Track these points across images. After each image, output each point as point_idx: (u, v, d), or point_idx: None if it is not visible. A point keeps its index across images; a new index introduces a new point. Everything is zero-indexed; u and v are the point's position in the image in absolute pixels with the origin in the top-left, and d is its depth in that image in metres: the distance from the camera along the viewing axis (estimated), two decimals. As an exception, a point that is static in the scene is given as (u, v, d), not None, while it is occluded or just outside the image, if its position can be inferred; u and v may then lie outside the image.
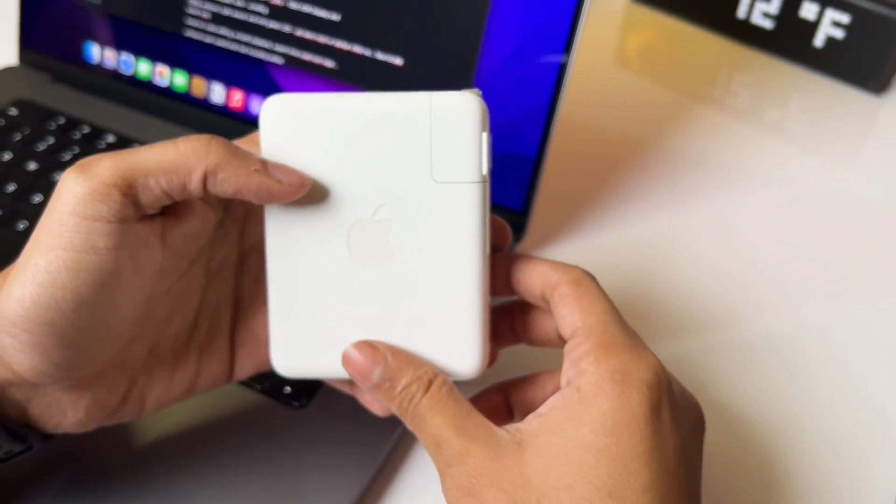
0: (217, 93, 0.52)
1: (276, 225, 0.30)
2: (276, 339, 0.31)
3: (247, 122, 0.52)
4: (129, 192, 0.27)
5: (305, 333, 0.31)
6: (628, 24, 0.71)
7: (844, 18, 0.60)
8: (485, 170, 0.29)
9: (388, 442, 0.37)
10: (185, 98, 0.53)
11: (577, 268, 0.31)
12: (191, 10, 0.51)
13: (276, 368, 0.32)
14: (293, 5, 0.48)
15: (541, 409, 0.28)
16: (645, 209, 0.52)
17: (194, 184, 0.28)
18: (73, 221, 0.26)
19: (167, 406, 0.33)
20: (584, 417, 0.27)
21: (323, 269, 0.30)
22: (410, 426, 0.29)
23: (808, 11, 0.62)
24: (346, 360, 0.30)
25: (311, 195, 0.29)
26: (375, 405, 0.34)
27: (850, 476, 0.38)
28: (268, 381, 0.39)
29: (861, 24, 0.60)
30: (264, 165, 0.28)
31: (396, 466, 0.37)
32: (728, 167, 0.56)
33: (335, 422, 0.37)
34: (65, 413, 0.30)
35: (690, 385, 0.31)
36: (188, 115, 0.53)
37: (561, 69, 0.43)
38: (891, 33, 0.59)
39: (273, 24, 0.49)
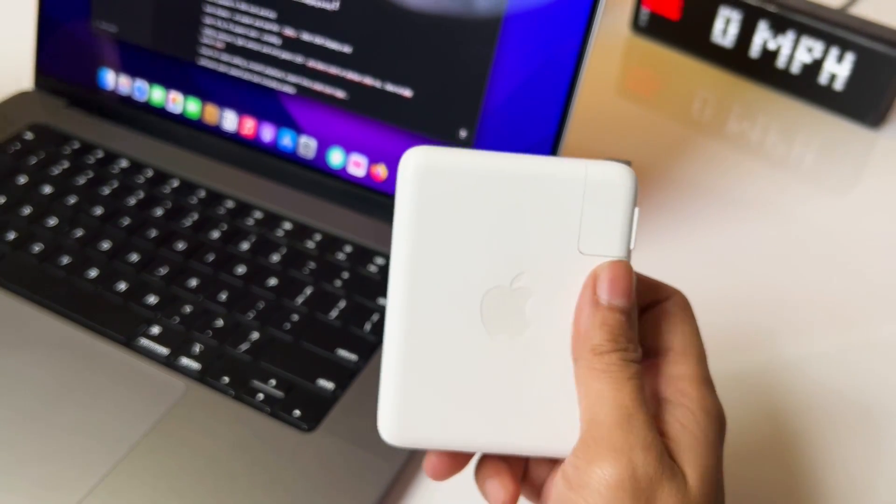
0: (229, 120, 0.53)
1: (404, 281, 0.28)
2: (389, 404, 0.29)
3: (258, 150, 0.53)
4: None
5: (422, 401, 0.29)
6: (629, 56, 0.72)
7: (845, 56, 0.62)
8: (632, 245, 0.28)
9: (395, 466, 0.37)
10: (198, 125, 0.55)
11: (681, 292, 0.31)
12: (205, 40, 0.52)
13: (384, 436, 0.29)
14: (306, 37, 0.49)
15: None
16: (647, 237, 0.53)
17: None
18: None
19: None
20: (712, 450, 0.27)
21: (450, 335, 0.28)
22: (600, 370, 0.27)
23: (810, 48, 0.63)
24: (603, 269, 0.28)
25: (447, 255, 0.28)
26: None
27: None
28: (277, 403, 0.39)
29: (860, 62, 0.61)
30: None
31: (403, 490, 0.38)
32: (729, 197, 0.57)
33: (343, 445, 0.38)
34: None
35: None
36: (200, 141, 0.55)
37: (566, 102, 0.44)
38: (888, 70, 0.60)
39: (286, 55, 0.50)
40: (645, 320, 0.31)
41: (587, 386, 0.27)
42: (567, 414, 0.28)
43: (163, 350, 0.42)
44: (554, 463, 0.30)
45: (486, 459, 0.31)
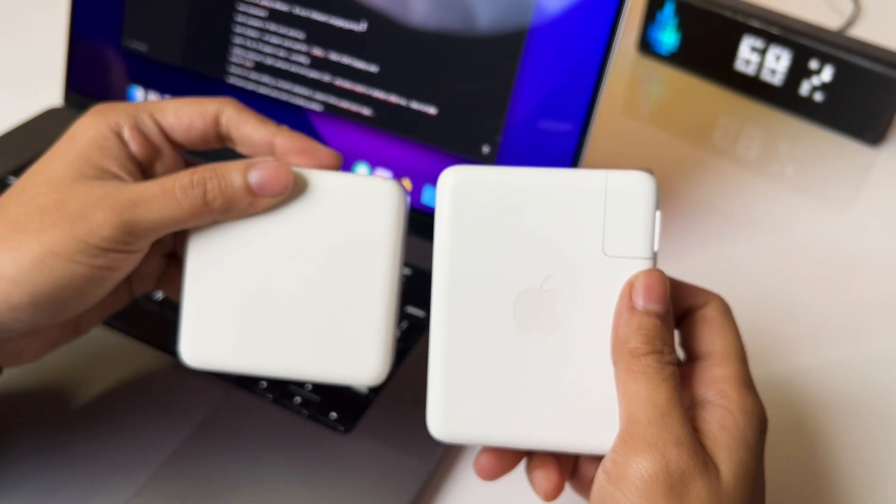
0: (257, 136, 0.55)
1: (445, 288, 0.31)
2: (436, 403, 0.31)
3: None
4: (125, 239, 0.32)
5: (466, 399, 0.31)
6: (636, 76, 0.75)
7: (845, 76, 0.64)
8: (656, 246, 0.30)
9: (429, 466, 0.39)
10: (226, 140, 0.56)
11: (720, 297, 0.33)
12: (234, 59, 0.54)
13: (433, 433, 0.32)
14: (333, 56, 0.52)
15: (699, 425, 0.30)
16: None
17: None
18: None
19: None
20: (750, 449, 0.29)
21: (488, 337, 0.31)
22: (638, 371, 0.29)
23: (812, 68, 0.66)
24: (640, 276, 0.30)
25: (482, 261, 0.31)
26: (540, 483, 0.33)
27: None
28: (314, 406, 0.41)
29: (860, 81, 0.64)
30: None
31: (436, 489, 0.40)
32: (732, 214, 0.59)
33: (378, 446, 0.40)
34: (21, 353, 0.35)
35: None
36: (228, 157, 0.56)
37: (587, 118, 0.46)
38: (886, 89, 0.63)
39: (313, 74, 0.52)
40: (687, 325, 0.33)
41: (625, 386, 0.29)
42: (606, 412, 0.30)
43: (201, 356, 0.43)
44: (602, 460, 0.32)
45: (537, 452, 0.32)
